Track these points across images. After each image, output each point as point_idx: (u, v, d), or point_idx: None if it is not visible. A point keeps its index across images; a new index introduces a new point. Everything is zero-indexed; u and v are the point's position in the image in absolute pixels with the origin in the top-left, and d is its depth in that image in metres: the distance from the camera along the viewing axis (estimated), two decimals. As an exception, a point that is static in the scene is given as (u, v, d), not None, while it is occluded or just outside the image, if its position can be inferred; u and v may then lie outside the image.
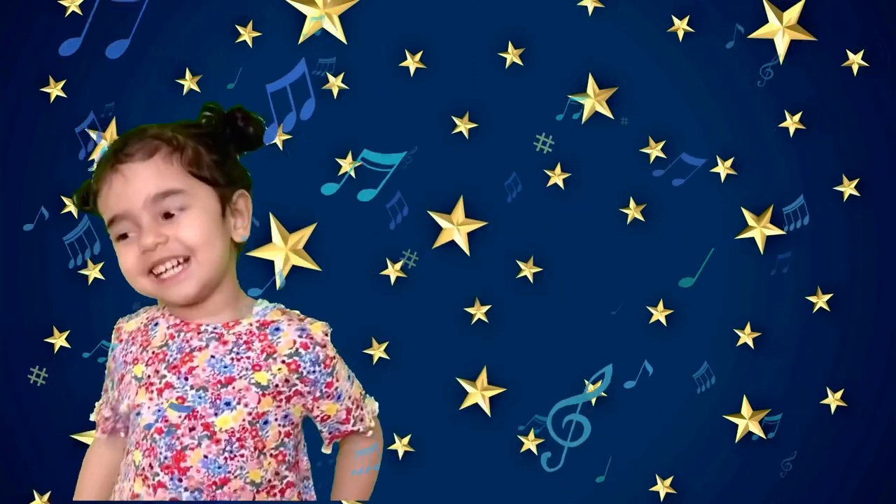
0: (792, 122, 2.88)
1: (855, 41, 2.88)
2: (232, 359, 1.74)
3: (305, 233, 2.82)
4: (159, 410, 1.73)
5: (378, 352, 2.86)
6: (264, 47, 2.86)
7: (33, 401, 2.87)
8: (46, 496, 2.84)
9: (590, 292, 2.89)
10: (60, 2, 2.82)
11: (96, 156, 1.79)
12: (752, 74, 2.88)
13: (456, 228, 2.87)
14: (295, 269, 2.83)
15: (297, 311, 1.85)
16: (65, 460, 2.86)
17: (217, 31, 2.86)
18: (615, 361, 2.89)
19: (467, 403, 2.89)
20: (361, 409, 1.87)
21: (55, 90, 2.83)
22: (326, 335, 1.81)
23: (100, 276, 2.85)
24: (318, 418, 1.84)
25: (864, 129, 2.90)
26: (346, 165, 2.84)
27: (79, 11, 2.83)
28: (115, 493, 1.83)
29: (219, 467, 1.71)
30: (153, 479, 1.72)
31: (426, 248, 2.87)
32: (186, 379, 1.73)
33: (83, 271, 2.85)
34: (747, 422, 2.90)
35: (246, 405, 1.72)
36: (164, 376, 1.74)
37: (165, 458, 1.71)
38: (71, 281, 2.86)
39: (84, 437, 2.84)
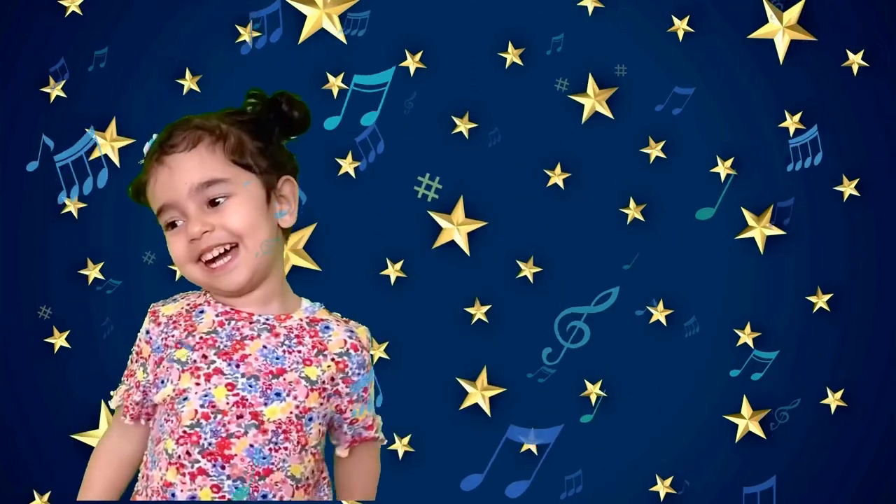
0: (792, 122, 2.88)
1: (855, 41, 2.88)
2: (284, 351, 1.74)
3: (305, 233, 2.83)
4: (206, 395, 1.71)
5: (378, 352, 2.86)
6: (264, 47, 2.86)
7: (33, 401, 2.87)
8: (46, 496, 2.84)
9: (590, 292, 2.89)
10: (60, 2, 2.82)
11: (145, 148, 1.79)
12: (753, 73, 2.88)
13: (456, 228, 2.87)
14: (295, 268, 2.83)
15: (338, 313, 1.88)
16: (65, 460, 2.86)
17: (217, 31, 2.86)
18: (615, 361, 2.89)
19: (467, 403, 2.89)
20: (377, 417, 1.89)
21: (55, 90, 2.83)
22: (370, 339, 1.85)
23: (100, 276, 2.85)
24: (348, 421, 1.84)
25: (864, 129, 2.90)
26: (346, 165, 2.84)
27: (79, 11, 2.83)
28: (142, 480, 1.80)
29: (263, 457, 1.71)
30: (192, 467, 1.70)
31: (426, 248, 2.87)
32: (238, 366, 1.72)
33: (83, 271, 2.86)
34: (747, 422, 2.90)
35: (295, 398, 1.73)
36: (214, 362, 1.73)
37: (209, 444, 1.70)
38: (71, 281, 2.86)
39: (84, 437, 2.84)
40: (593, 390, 2.89)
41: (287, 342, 1.76)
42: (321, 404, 1.76)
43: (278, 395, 1.72)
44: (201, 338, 1.75)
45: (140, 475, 1.82)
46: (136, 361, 1.81)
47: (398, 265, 2.87)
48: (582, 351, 2.88)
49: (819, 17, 2.87)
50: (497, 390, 2.89)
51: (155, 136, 1.80)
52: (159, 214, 1.77)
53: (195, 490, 1.70)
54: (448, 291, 2.88)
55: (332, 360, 1.78)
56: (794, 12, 2.86)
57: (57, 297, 2.87)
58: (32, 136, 2.86)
